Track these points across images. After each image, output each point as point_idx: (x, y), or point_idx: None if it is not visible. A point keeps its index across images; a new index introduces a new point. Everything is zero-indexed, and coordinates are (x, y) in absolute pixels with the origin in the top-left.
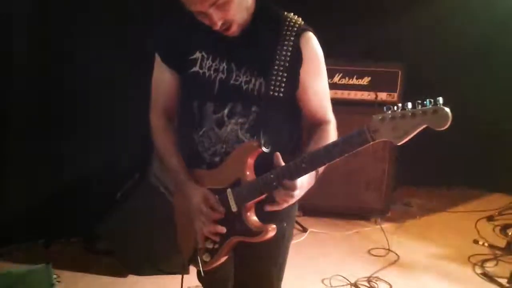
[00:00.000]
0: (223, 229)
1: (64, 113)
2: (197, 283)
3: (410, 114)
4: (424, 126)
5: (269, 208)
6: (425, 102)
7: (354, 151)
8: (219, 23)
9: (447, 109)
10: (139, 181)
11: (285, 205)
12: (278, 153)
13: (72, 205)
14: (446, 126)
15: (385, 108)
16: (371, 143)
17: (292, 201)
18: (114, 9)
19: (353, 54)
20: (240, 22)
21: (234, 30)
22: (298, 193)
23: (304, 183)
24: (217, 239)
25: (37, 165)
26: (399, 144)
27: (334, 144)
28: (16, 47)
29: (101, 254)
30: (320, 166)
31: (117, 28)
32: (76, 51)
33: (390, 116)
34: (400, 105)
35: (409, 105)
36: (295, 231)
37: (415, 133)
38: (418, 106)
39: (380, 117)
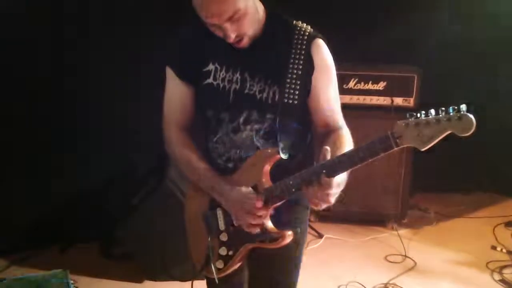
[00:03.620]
0: (268, 208)
1: (81, 117)
2: None
3: (435, 120)
4: (448, 132)
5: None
6: (449, 109)
7: (378, 157)
8: (233, 36)
9: (471, 116)
10: (156, 186)
11: (323, 205)
12: (327, 147)
13: (88, 210)
14: (471, 132)
15: (408, 114)
16: (395, 149)
17: (330, 200)
18: (127, 15)
19: (368, 59)
20: (251, 35)
21: (245, 42)
22: (336, 192)
23: (342, 180)
24: (260, 219)
25: (54, 171)
26: (423, 150)
27: (357, 150)
28: (24, 50)
29: (117, 259)
30: (342, 172)
31: (129, 34)
32: (88, 57)
33: (414, 122)
34: (423, 112)
35: (433, 112)
36: (311, 237)
37: (439, 139)
38: (441, 113)
39: (404, 123)
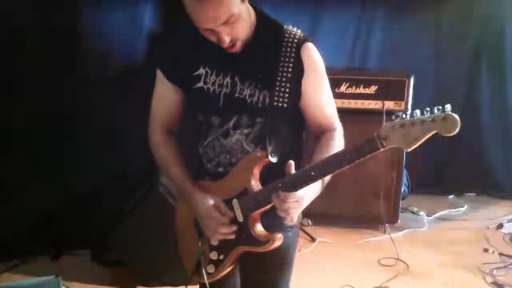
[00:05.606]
0: (233, 230)
1: (73, 125)
2: None
3: (420, 121)
4: (433, 132)
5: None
6: (433, 109)
7: (364, 158)
8: (227, 40)
9: (456, 116)
10: (147, 191)
11: (292, 215)
12: (291, 162)
13: (80, 216)
14: (455, 132)
15: (393, 116)
16: (381, 150)
17: (296, 211)
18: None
19: (360, 63)
20: (244, 39)
21: (239, 47)
22: (300, 204)
23: (308, 192)
24: (229, 236)
25: (45, 178)
26: (409, 150)
27: (344, 151)
28: (24, 50)
29: (110, 265)
30: (330, 174)
31: (129, 40)
32: (87, 63)
33: (400, 123)
34: (409, 112)
35: (418, 112)
36: (304, 241)
37: (424, 139)
38: (426, 113)
39: (390, 125)
